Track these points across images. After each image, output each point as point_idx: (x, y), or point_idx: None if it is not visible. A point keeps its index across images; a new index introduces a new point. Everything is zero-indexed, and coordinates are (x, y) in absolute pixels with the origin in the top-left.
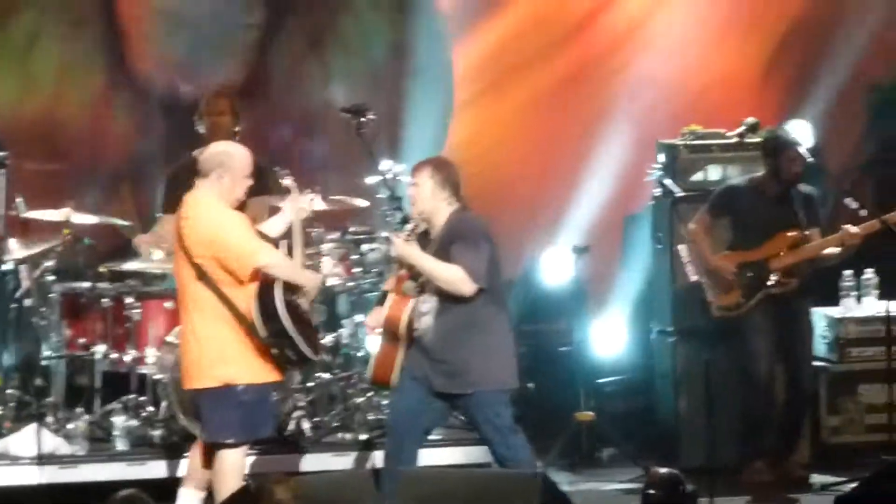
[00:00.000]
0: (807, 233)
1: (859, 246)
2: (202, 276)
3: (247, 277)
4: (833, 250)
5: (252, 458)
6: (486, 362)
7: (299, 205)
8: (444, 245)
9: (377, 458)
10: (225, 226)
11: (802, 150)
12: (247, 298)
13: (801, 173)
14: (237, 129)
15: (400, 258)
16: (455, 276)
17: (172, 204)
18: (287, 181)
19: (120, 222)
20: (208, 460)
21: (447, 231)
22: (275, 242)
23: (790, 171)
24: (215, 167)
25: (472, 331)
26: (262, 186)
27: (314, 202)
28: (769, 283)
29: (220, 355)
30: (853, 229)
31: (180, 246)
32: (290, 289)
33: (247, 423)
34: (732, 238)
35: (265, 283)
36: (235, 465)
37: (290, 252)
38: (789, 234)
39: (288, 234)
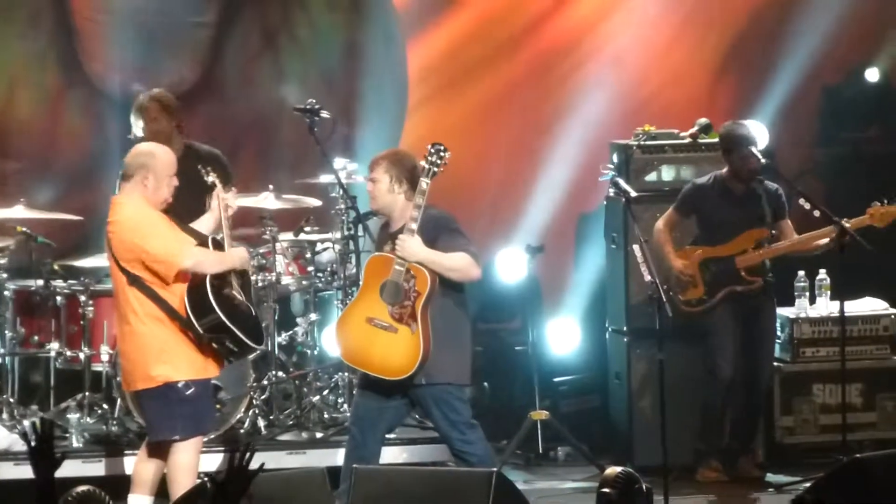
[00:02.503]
0: (774, 231)
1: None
2: (132, 278)
3: (172, 279)
4: (823, 241)
5: (207, 457)
6: (442, 356)
7: (225, 201)
8: (427, 244)
9: (333, 457)
10: (145, 229)
11: (756, 146)
12: (179, 295)
13: (757, 170)
14: (177, 124)
15: (408, 256)
16: (465, 263)
17: None
18: (210, 178)
19: (73, 218)
20: (156, 460)
21: (425, 231)
22: (205, 239)
23: (745, 168)
24: (138, 169)
25: (434, 324)
26: (227, 177)
27: (266, 200)
28: (733, 281)
29: (158, 355)
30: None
31: (109, 250)
32: (221, 281)
33: (190, 419)
34: (700, 236)
35: (195, 280)
36: (188, 462)
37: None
38: (756, 232)
39: (218, 230)
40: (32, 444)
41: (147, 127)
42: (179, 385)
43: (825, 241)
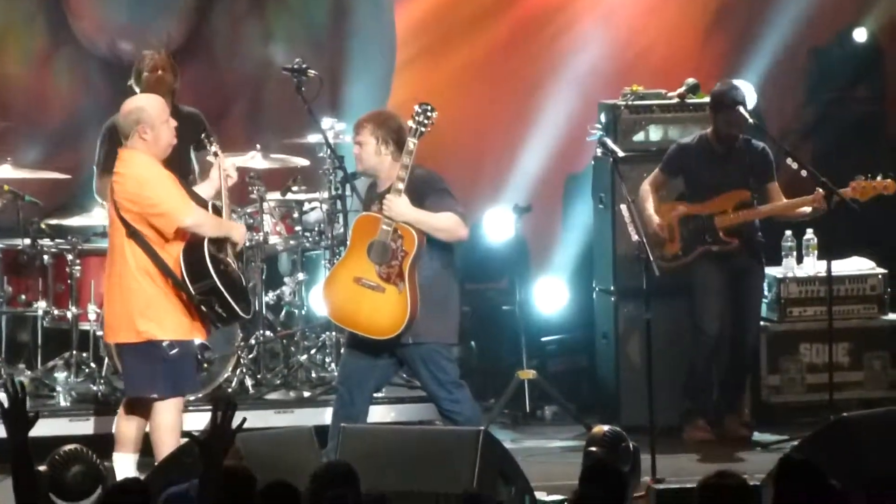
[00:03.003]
0: (757, 194)
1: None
2: (131, 230)
3: (172, 236)
4: (805, 209)
5: (194, 416)
6: (429, 315)
7: (225, 169)
8: (415, 204)
9: (320, 416)
10: (152, 184)
11: (743, 110)
12: (175, 255)
13: (736, 136)
14: (176, 86)
15: (395, 216)
16: (453, 223)
17: (109, 159)
18: (213, 148)
19: (60, 177)
20: (136, 417)
21: (412, 191)
22: (205, 204)
23: (725, 131)
24: (133, 125)
25: (422, 284)
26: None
27: (254, 159)
28: (709, 240)
29: (144, 311)
30: (815, 196)
31: (111, 201)
32: (219, 247)
33: (169, 380)
34: (686, 195)
35: (193, 241)
36: (170, 422)
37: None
38: (737, 193)
39: (217, 198)
40: (5, 406)
41: (152, 76)
42: (164, 344)
43: (808, 209)
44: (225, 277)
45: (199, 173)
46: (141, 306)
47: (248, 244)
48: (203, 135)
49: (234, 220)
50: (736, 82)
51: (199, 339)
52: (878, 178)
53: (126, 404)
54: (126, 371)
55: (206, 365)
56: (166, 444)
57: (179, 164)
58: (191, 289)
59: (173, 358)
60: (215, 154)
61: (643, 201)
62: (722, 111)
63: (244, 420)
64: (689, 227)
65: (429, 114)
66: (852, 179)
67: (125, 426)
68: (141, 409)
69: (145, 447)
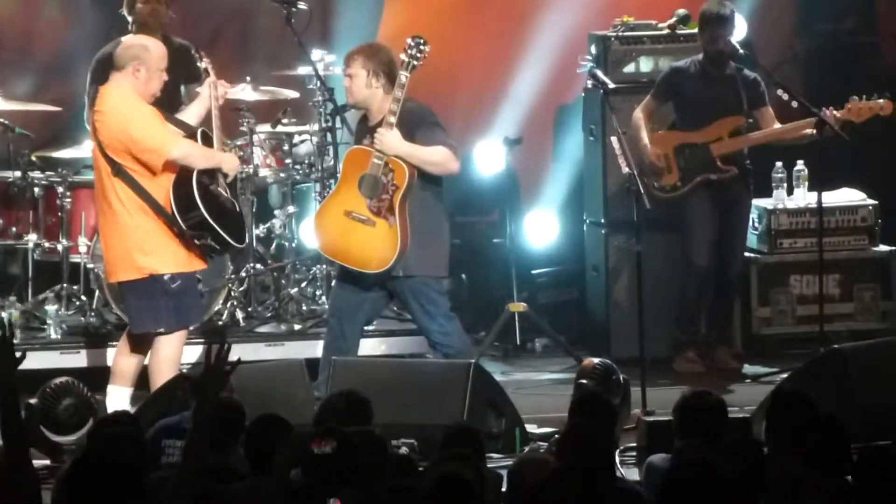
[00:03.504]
0: (751, 120)
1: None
2: (118, 168)
3: (160, 170)
4: (809, 131)
5: (185, 348)
6: (419, 249)
7: (216, 89)
8: (406, 137)
9: (311, 348)
10: (136, 119)
11: (727, 28)
12: (166, 188)
13: (722, 51)
14: (167, 19)
15: (387, 150)
16: (444, 156)
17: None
18: (203, 64)
19: (51, 109)
20: (137, 353)
21: (403, 124)
22: (195, 130)
23: (710, 48)
24: (130, 60)
25: (412, 217)
26: (196, 72)
27: (243, 91)
28: (707, 168)
29: (142, 246)
30: (830, 113)
31: (94, 139)
32: (209, 177)
33: (174, 312)
34: (677, 121)
35: (182, 175)
36: (171, 355)
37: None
38: (732, 119)
39: (208, 119)
40: None
41: (146, 7)
42: (165, 277)
43: (810, 130)
44: (216, 209)
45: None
46: (139, 242)
47: (239, 176)
48: (193, 50)
49: (225, 147)
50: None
51: (200, 268)
52: (875, 98)
53: (129, 338)
54: (130, 309)
55: (200, 298)
56: (165, 377)
57: (169, 97)
58: (181, 223)
59: (176, 290)
60: (206, 71)
61: (637, 130)
62: (706, 29)
63: (239, 359)
64: (686, 157)
65: (421, 47)
66: (848, 101)
67: (124, 361)
68: (143, 344)
69: (140, 382)
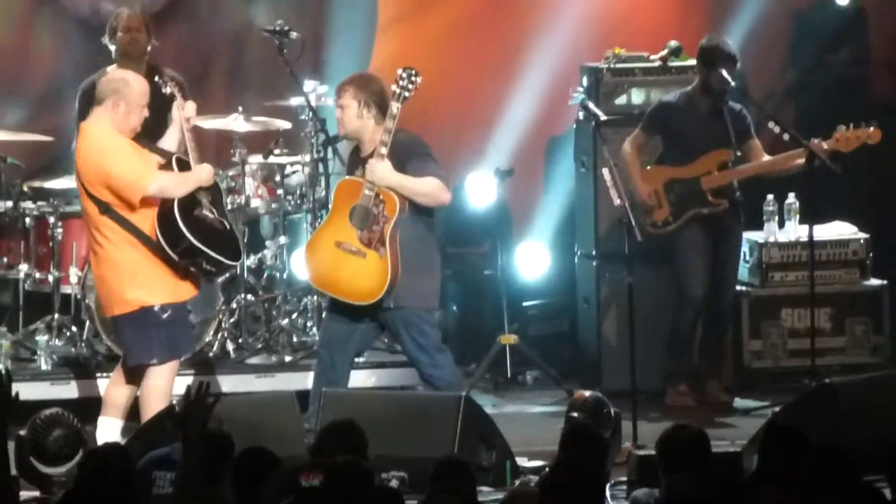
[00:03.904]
0: (739, 153)
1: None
2: (104, 207)
3: (139, 205)
4: (799, 161)
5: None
6: (410, 280)
7: (186, 112)
8: (397, 168)
9: (302, 380)
10: (112, 155)
11: (734, 66)
12: (152, 219)
13: (727, 91)
14: (150, 46)
15: (378, 181)
16: (435, 187)
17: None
18: (168, 89)
19: (42, 139)
20: (130, 385)
21: (395, 155)
22: (172, 156)
23: (719, 87)
24: (110, 94)
25: (403, 248)
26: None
27: (235, 122)
28: (698, 203)
29: (131, 278)
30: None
31: (77, 177)
32: (191, 203)
33: (166, 343)
34: (665, 155)
35: (164, 206)
36: (162, 386)
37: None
38: (720, 153)
39: (183, 143)
40: None
41: (126, 36)
42: (156, 308)
43: (801, 160)
44: (203, 233)
45: None
46: (127, 275)
47: (229, 207)
48: (156, 77)
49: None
50: (725, 39)
51: (190, 296)
52: (862, 127)
53: (123, 370)
54: (123, 342)
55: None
56: (155, 408)
57: (155, 126)
58: (171, 254)
59: (167, 321)
60: (171, 96)
61: (627, 166)
62: (717, 66)
63: (220, 395)
64: (676, 192)
65: (413, 78)
66: (835, 131)
67: (117, 392)
68: (136, 376)
69: (131, 413)
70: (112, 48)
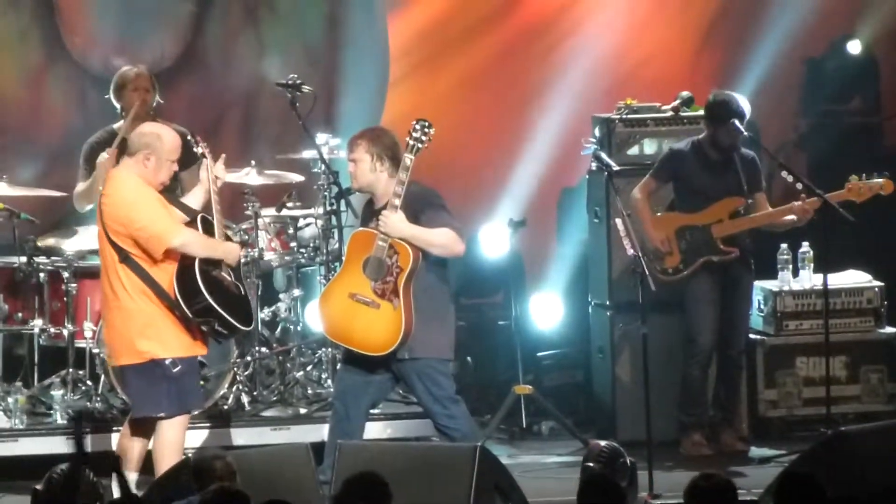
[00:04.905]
0: (750, 200)
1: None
2: (123, 255)
3: (161, 257)
4: (792, 217)
5: (190, 433)
6: (424, 331)
7: (214, 172)
8: (411, 220)
9: (317, 432)
10: (139, 206)
11: (743, 120)
12: (170, 274)
13: (736, 143)
14: (155, 103)
15: (391, 232)
16: (449, 238)
17: (89, 175)
18: (199, 149)
19: (55, 194)
20: (140, 437)
21: (409, 207)
22: (197, 214)
23: (727, 141)
24: (142, 148)
25: (417, 299)
26: (193, 157)
27: (248, 175)
28: (709, 251)
29: (144, 331)
30: (799, 205)
31: (101, 223)
32: (212, 263)
33: (174, 397)
34: (676, 202)
35: (184, 262)
36: (174, 439)
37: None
38: (731, 201)
39: (208, 204)
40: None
41: (135, 95)
42: (166, 362)
43: (791, 217)
44: (220, 294)
45: (183, 192)
46: (140, 326)
47: (243, 260)
48: (189, 135)
49: (228, 231)
50: (729, 93)
51: (202, 353)
52: (875, 178)
53: (131, 422)
54: (131, 392)
55: (202, 382)
56: (168, 462)
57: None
58: (186, 311)
59: (177, 375)
60: (203, 155)
61: (638, 213)
62: (724, 121)
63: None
64: (687, 239)
65: (427, 130)
66: (847, 181)
67: (128, 444)
68: (146, 428)
69: (145, 466)
70: (118, 105)
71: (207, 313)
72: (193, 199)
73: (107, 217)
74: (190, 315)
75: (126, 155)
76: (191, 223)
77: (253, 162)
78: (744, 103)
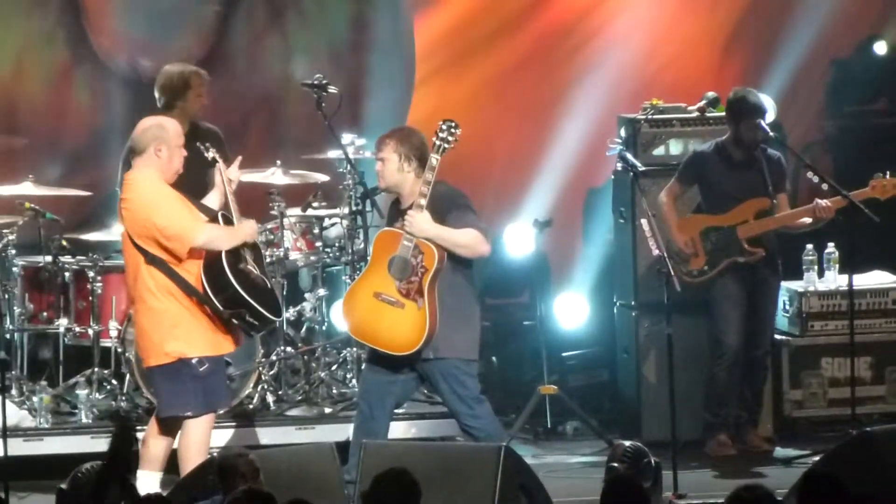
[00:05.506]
0: (774, 201)
1: (830, 219)
2: (148, 255)
3: (185, 256)
4: (806, 220)
5: (216, 432)
6: (449, 331)
7: (228, 175)
8: (437, 220)
9: (341, 432)
10: (160, 206)
11: (765, 118)
12: (195, 272)
13: (759, 140)
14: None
15: (416, 232)
16: (474, 239)
17: None
18: (210, 154)
19: (81, 193)
20: (166, 437)
21: (434, 207)
22: (215, 215)
23: (749, 137)
24: (151, 141)
25: (442, 299)
26: (225, 154)
27: (274, 175)
28: (734, 252)
29: (171, 330)
30: (824, 203)
31: (123, 226)
32: (236, 257)
33: (202, 396)
34: (702, 204)
35: (211, 257)
36: (200, 439)
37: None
38: (757, 202)
39: (226, 205)
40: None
41: (201, 99)
42: (193, 361)
43: (808, 219)
44: (249, 286)
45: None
46: (167, 326)
47: (268, 260)
48: (198, 143)
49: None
50: (748, 89)
51: (228, 351)
52: None
53: (157, 422)
54: (158, 392)
55: (227, 382)
56: (193, 462)
57: (196, 181)
58: (217, 305)
59: (204, 374)
60: (213, 161)
61: (664, 215)
62: (744, 119)
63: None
64: (713, 240)
65: (453, 130)
66: (872, 178)
67: (153, 444)
68: (172, 428)
69: (170, 465)
70: (163, 100)
71: (238, 304)
72: (211, 201)
73: (128, 221)
74: (220, 307)
75: (135, 156)
76: (212, 221)
77: (279, 162)
78: (766, 101)
